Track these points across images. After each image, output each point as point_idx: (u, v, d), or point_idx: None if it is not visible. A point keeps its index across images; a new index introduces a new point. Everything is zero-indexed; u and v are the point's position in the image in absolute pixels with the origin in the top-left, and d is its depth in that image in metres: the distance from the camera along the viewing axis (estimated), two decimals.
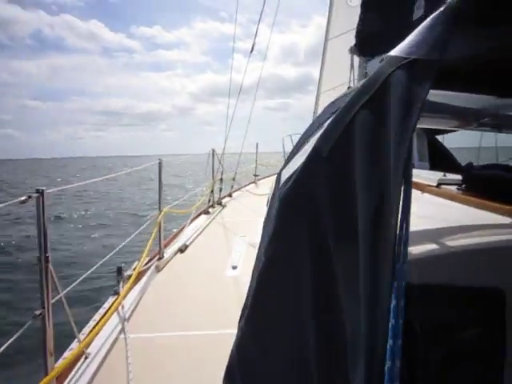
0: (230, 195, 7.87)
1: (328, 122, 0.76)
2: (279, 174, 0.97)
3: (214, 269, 3.61)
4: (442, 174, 2.14)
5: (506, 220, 1.24)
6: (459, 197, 1.57)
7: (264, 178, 10.03)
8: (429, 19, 0.62)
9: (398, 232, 0.59)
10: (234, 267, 3.60)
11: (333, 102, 0.95)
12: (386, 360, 0.57)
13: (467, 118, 1.45)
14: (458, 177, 1.90)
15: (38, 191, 1.63)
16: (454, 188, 1.75)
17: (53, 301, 1.77)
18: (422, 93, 0.58)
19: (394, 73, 0.64)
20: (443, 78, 0.96)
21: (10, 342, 1.56)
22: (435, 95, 1.14)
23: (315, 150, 0.74)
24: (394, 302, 0.58)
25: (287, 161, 0.97)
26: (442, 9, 0.60)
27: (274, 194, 1.00)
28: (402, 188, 0.59)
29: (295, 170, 0.78)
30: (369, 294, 0.61)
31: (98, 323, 2.42)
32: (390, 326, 0.57)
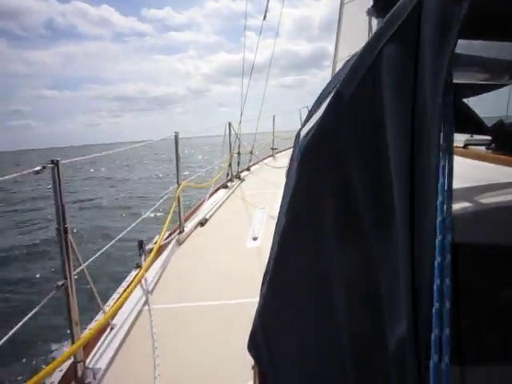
0: (248, 169, 7.84)
1: (351, 64, 0.68)
2: (298, 134, 0.91)
3: (234, 241, 3.62)
4: (469, 135, 2.04)
5: None
6: (489, 156, 1.49)
7: (282, 151, 9.93)
8: None
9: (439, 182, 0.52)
10: (255, 238, 3.60)
11: (348, 60, 0.88)
12: (431, 325, 0.51)
13: (499, 70, 1.34)
14: (487, 137, 1.80)
15: (52, 162, 1.62)
16: (482, 148, 1.66)
17: (75, 272, 1.79)
18: (459, 14, 0.50)
19: None
20: (474, 25, 0.87)
21: (34, 311, 1.60)
22: (461, 46, 1.05)
23: (337, 95, 0.67)
24: (438, 259, 0.52)
25: (306, 120, 0.91)
26: None
27: (292, 155, 0.94)
28: (442, 129, 0.52)
29: (316, 121, 0.71)
30: (407, 253, 0.55)
31: (121, 295, 2.47)
32: (435, 286, 0.51)
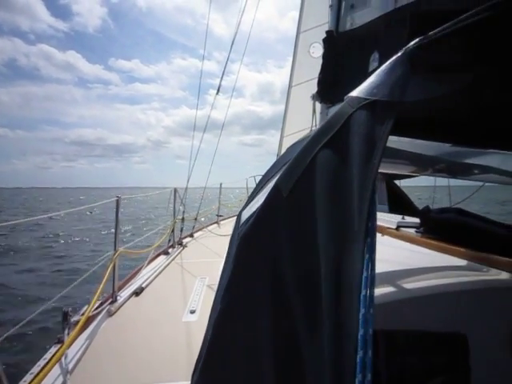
0: (191, 235, 7.69)
1: (289, 162, 0.74)
2: (239, 214, 0.93)
3: (170, 313, 3.41)
4: (401, 217, 2.19)
5: (462, 262, 1.26)
6: (417, 239, 1.60)
7: (227, 218, 9.96)
8: (388, 62, 0.64)
9: (363, 276, 0.56)
10: (193, 311, 3.42)
11: (295, 144, 0.95)
12: None
13: (424, 164, 1.49)
14: (416, 220, 1.95)
15: None
16: (412, 231, 1.79)
17: None
18: (383, 133, 0.58)
19: (355, 113, 0.64)
20: (401, 125, 0.98)
21: None
22: (393, 141, 1.17)
23: (276, 188, 0.72)
24: (360, 354, 0.53)
25: (248, 201, 0.94)
26: (400, 53, 0.62)
27: (233, 235, 0.96)
28: (367, 230, 0.57)
29: (256, 209, 0.75)
30: (333, 343, 0.56)
31: (36, 377, 2.17)
32: (356, 381, 0.52)
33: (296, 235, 0.67)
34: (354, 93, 0.66)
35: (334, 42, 1.57)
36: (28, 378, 2.22)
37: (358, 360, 0.52)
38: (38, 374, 2.22)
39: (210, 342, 0.76)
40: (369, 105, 0.62)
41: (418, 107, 0.81)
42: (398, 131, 1.05)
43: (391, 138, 1.17)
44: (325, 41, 1.59)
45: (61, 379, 2.27)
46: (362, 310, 0.54)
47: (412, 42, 0.60)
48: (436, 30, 0.58)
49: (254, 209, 0.76)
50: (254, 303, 0.70)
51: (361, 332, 0.53)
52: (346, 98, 0.68)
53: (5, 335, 2.00)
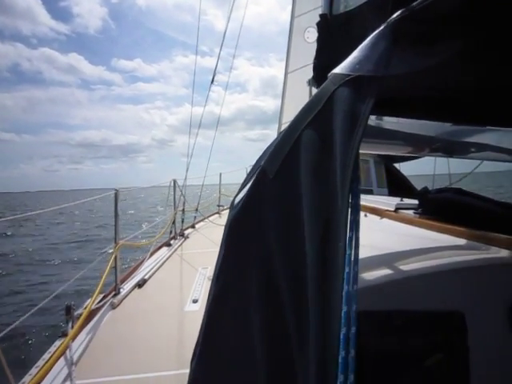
0: (193, 226, 7.71)
1: (275, 144, 0.74)
2: (232, 202, 0.93)
3: (173, 304, 3.43)
4: (400, 199, 2.19)
5: (461, 242, 1.25)
6: (416, 220, 1.59)
7: (227, 208, 9.97)
8: (370, 37, 0.62)
9: (346, 254, 0.56)
10: (195, 301, 3.45)
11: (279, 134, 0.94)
12: None
13: (421, 145, 1.48)
14: (415, 201, 1.95)
15: None
16: (411, 212, 1.78)
17: None
18: (365, 109, 0.58)
19: (337, 90, 0.63)
20: (394, 104, 0.97)
21: None
22: (389, 122, 1.16)
23: (262, 171, 0.72)
24: (343, 330, 0.53)
25: (241, 188, 0.94)
26: (382, 27, 0.61)
27: (227, 220, 0.96)
28: (349, 209, 0.57)
29: (243, 194, 0.75)
30: (318, 322, 0.57)
31: (41, 369, 2.19)
32: (339, 357, 0.53)
33: (282, 216, 0.67)
34: (337, 69, 0.65)
35: (328, 26, 1.55)
36: (33, 371, 2.24)
37: (341, 337, 0.53)
38: (43, 366, 2.24)
39: (204, 328, 0.77)
40: (352, 81, 0.61)
41: (407, 84, 0.79)
42: (390, 111, 1.03)
43: (387, 119, 1.16)
44: (319, 24, 1.56)
45: (66, 371, 2.29)
46: (345, 288, 0.55)
47: (394, 15, 0.59)
48: (419, 1, 0.57)
49: (243, 194, 0.76)
50: (244, 288, 0.70)
51: (344, 309, 0.54)
52: (329, 75, 0.67)
53: (8, 329, 2.01)
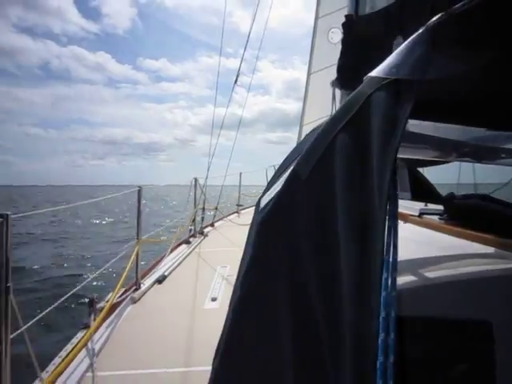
0: (212, 225, 7.77)
1: (308, 145, 0.73)
2: (258, 201, 0.93)
3: (192, 301, 3.47)
4: (424, 204, 2.15)
5: (488, 249, 1.22)
6: (441, 226, 1.56)
7: (247, 207, 9.99)
8: (408, 40, 0.61)
9: (384, 259, 0.55)
10: (214, 299, 3.47)
11: (313, 130, 0.93)
12: None
13: (447, 149, 1.45)
14: (439, 207, 1.91)
15: (1, 216, 1.54)
16: (435, 217, 1.75)
17: (12, 336, 1.63)
18: (404, 113, 0.56)
19: (374, 94, 0.62)
20: (424, 107, 0.95)
21: None
22: (415, 125, 1.14)
23: (294, 172, 0.71)
24: (381, 336, 0.52)
25: (267, 188, 0.94)
26: (421, 30, 0.60)
27: (252, 222, 0.96)
28: (388, 212, 0.56)
29: (274, 195, 0.75)
30: (354, 326, 0.56)
31: (63, 360, 2.25)
32: (378, 363, 0.52)
33: (315, 218, 0.66)
34: (373, 73, 0.64)
35: (353, 27, 1.54)
36: (57, 361, 2.32)
37: (379, 342, 0.52)
38: (65, 357, 2.31)
39: (229, 328, 0.77)
40: (388, 84, 0.60)
41: (441, 88, 0.78)
42: (420, 114, 1.02)
43: (412, 122, 1.14)
44: (344, 25, 1.55)
45: (87, 362, 2.36)
46: (383, 293, 0.54)
47: (433, 19, 0.58)
48: (458, 5, 0.56)
49: (272, 195, 0.75)
50: (274, 289, 0.70)
51: (382, 314, 0.53)
52: (365, 78, 0.66)
53: (35, 319, 2.08)
